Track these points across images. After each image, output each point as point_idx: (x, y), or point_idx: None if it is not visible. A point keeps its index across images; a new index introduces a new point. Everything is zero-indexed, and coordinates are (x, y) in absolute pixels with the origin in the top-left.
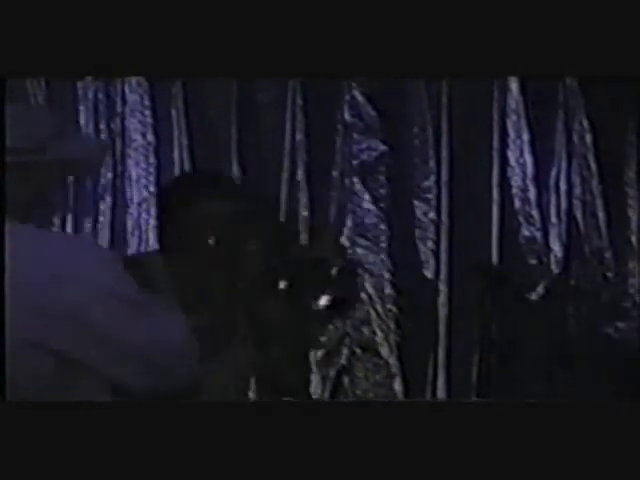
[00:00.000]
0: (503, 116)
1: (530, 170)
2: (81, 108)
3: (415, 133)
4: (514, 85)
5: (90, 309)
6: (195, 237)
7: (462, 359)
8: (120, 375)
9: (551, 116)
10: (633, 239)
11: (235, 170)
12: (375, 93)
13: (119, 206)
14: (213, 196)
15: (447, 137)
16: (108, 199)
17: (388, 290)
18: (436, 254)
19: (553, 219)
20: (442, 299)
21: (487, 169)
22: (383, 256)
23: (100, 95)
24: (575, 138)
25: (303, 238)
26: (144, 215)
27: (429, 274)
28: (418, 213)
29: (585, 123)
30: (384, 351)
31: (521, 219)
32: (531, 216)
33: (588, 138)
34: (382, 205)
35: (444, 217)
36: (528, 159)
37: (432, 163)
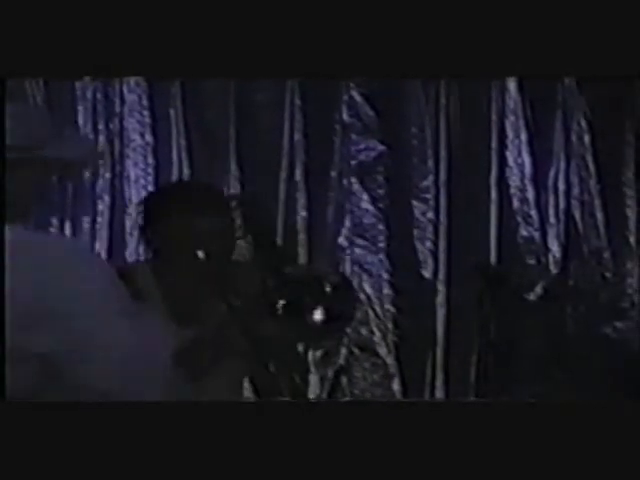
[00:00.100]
0: (501, 116)
1: (528, 170)
2: (80, 108)
3: (413, 133)
4: (512, 85)
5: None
6: (181, 250)
7: (460, 359)
8: (99, 380)
9: (549, 116)
10: (631, 239)
11: (233, 170)
12: (373, 93)
13: (118, 206)
14: (201, 210)
15: (445, 137)
16: (107, 199)
17: (386, 290)
18: (434, 254)
19: (551, 219)
20: (440, 299)
21: (485, 169)
22: (381, 256)
23: (99, 95)
24: (573, 138)
25: (301, 254)
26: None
27: (427, 274)
28: (416, 213)
29: (583, 123)
30: (382, 351)
31: (519, 219)
32: (529, 216)
33: (586, 138)
34: (380, 205)
35: (442, 217)
36: (526, 159)
37: (430, 163)
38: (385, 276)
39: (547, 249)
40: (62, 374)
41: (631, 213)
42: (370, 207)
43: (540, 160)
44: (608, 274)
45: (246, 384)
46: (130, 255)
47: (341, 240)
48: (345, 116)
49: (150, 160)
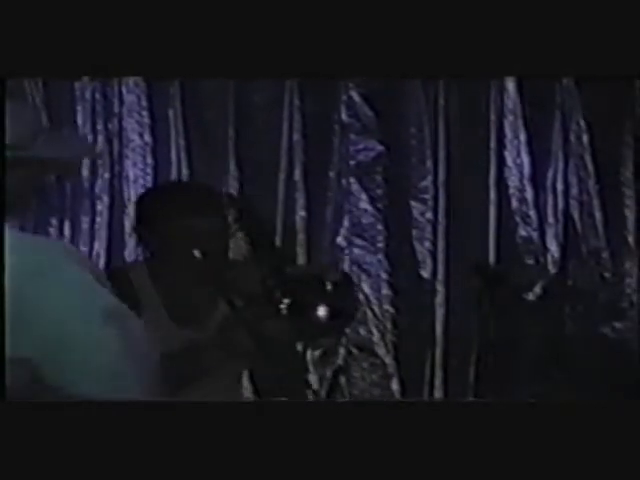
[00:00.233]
0: (500, 116)
1: (527, 170)
2: (78, 108)
3: (412, 133)
4: (511, 85)
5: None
6: (178, 250)
7: (459, 359)
8: (80, 385)
9: (548, 116)
10: (630, 239)
11: (232, 170)
12: (372, 93)
13: (117, 206)
14: (196, 209)
15: (444, 137)
16: (106, 199)
17: (385, 290)
18: (433, 254)
19: (550, 219)
20: (439, 299)
21: (484, 169)
22: (380, 256)
23: (97, 95)
24: (572, 138)
25: (299, 253)
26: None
27: (426, 274)
28: (415, 213)
29: (582, 123)
30: (381, 351)
31: (518, 219)
32: (528, 216)
33: (585, 138)
34: (379, 205)
35: (441, 217)
36: (525, 159)
37: (429, 163)
38: (384, 276)
39: (546, 249)
40: (43, 379)
41: (630, 213)
42: (369, 207)
43: (539, 160)
44: (607, 274)
45: (245, 384)
46: (129, 255)
47: (340, 240)
48: (344, 116)
49: (149, 160)
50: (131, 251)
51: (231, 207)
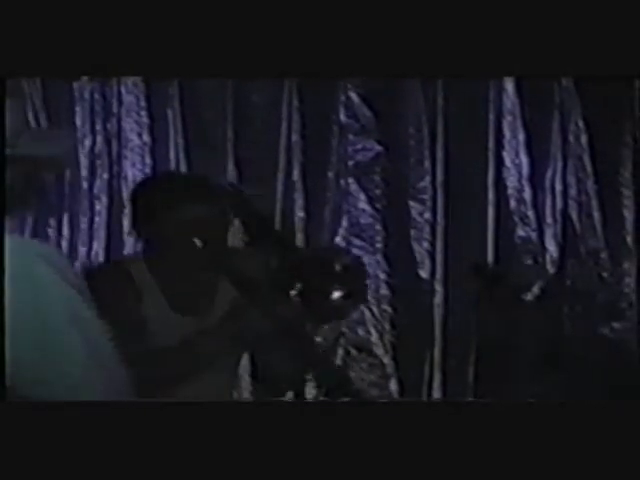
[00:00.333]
0: (499, 117)
1: (526, 171)
2: (77, 109)
3: (411, 134)
4: (510, 86)
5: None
6: (179, 239)
7: (458, 359)
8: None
9: (547, 117)
10: (629, 239)
11: (231, 170)
12: (371, 94)
13: (115, 206)
14: (194, 198)
15: (443, 138)
16: (104, 199)
17: (383, 290)
18: (432, 254)
19: (549, 219)
20: (438, 299)
21: (483, 170)
22: (378, 256)
23: (96, 95)
24: (571, 139)
25: (298, 239)
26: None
27: (425, 274)
28: (414, 213)
29: (581, 124)
30: (379, 351)
31: (517, 219)
32: (527, 216)
33: (584, 139)
34: (377, 205)
35: (440, 217)
36: (524, 160)
37: (427, 164)
38: (382, 276)
39: (544, 249)
40: (13, 388)
41: (628, 214)
42: (367, 207)
43: (537, 160)
44: (605, 274)
45: (245, 384)
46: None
47: (338, 240)
48: (342, 116)
49: (148, 160)
50: (130, 251)
51: (229, 195)
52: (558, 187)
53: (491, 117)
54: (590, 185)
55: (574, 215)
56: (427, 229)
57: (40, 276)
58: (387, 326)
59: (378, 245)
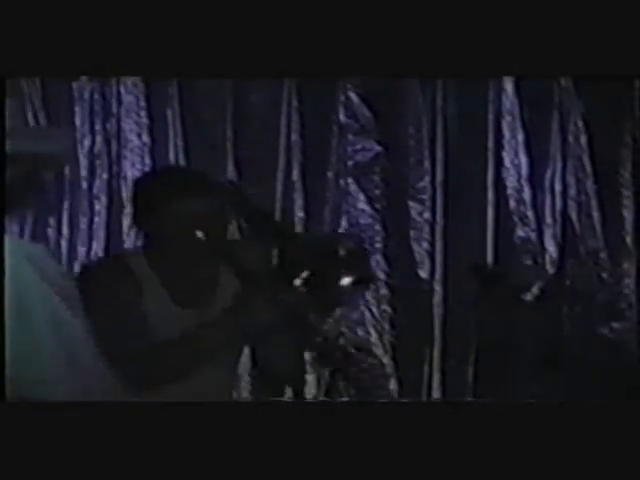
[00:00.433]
0: (498, 117)
1: (525, 171)
2: (77, 109)
3: (410, 134)
4: (509, 86)
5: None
6: (180, 232)
7: (457, 359)
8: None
9: (546, 117)
10: (628, 240)
11: (231, 170)
12: (370, 94)
13: (115, 206)
14: (194, 191)
15: (442, 138)
16: (104, 199)
17: (383, 290)
18: (431, 254)
19: (548, 220)
20: (437, 299)
21: (482, 170)
22: (378, 256)
23: (96, 96)
24: (570, 139)
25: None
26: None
27: (424, 274)
28: (413, 214)
29: (580, 124)
30: (379, 351)
31: (516, 219)
32: (526, 217)
33: (583, 139)
34: (377, 205)
35: (439, 218)
36: (523, 160)
37: (427, 164)
38: (382, 276)
39: (544, 249)
40: None
41: (628, 214)
42: (367, 207)
43: (537, 161)
44: (605, 275)
45: (244, 384)
46: None
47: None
48: (342, 117)
49: (147, 160)
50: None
51: (228, 191)
52: (557, 187)
53: (490, 117)
54: (589, 185)
55: (573, 215)
56: (426, 229)
57: (23, 276)
58: (386, 326)
59: (377, 245)
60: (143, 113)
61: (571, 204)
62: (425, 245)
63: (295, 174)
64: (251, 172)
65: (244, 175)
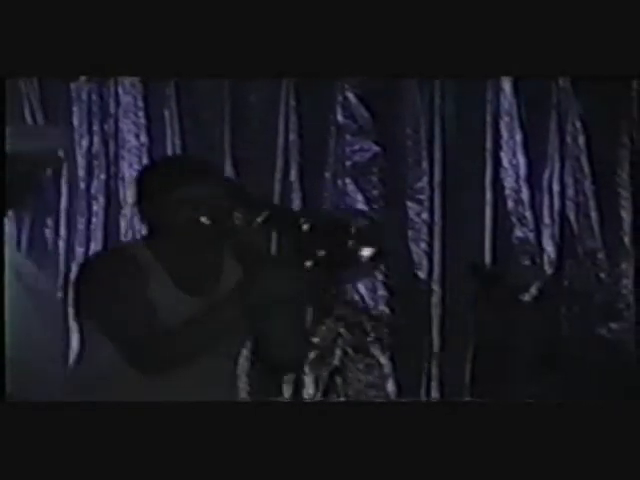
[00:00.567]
0: (496, 117)
1: (523, 171)
2: (74, 109)
3: (408, 134)
4: (507, 86)
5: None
6: (184, 218)
7: (455, 359)
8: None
9: (544, 117)
10: (626, 240)
11: (229, 170)
12: (368, 94)
13: (112, 207)
14: (197, 178)
15: (440, 138)
16: (101, 200)
17: (381, 291)
18: (429, 255)
19: (546, 220)
20: (435, 300)
21: (480, 170)
22: None
23: (94, 96)
24: (568, 139)
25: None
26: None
27: (422, 275)
28: (411, 214)
29: (578, 124)
30: (377, 352)
31: (514, 220)
32: (524, 217)
33: (581, 139)
34: (375, 206)
35: (437, 218)
36: (521, 160)
37: (425, 164)
38: (380, 277)
39: (542, 250)
40: None
41: (626, 214)
42: (365, 208)
43: (535, 161)
44: (603, 275)
45: (242, 384)
46: None
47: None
48: (340, 117)
49: (145, 161)
50: None
51: (227, 182)
52: (555, 187)
53: (488, 117)
54: (587, 185)
55: (571, 216)
56: (424, 229)
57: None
58: (385, 326)
59: None
60: (141, 113)
61: (569, 204)
62: (423, 245)
63: (293, 174)
64: (249, 172)
65: (242, 175)
